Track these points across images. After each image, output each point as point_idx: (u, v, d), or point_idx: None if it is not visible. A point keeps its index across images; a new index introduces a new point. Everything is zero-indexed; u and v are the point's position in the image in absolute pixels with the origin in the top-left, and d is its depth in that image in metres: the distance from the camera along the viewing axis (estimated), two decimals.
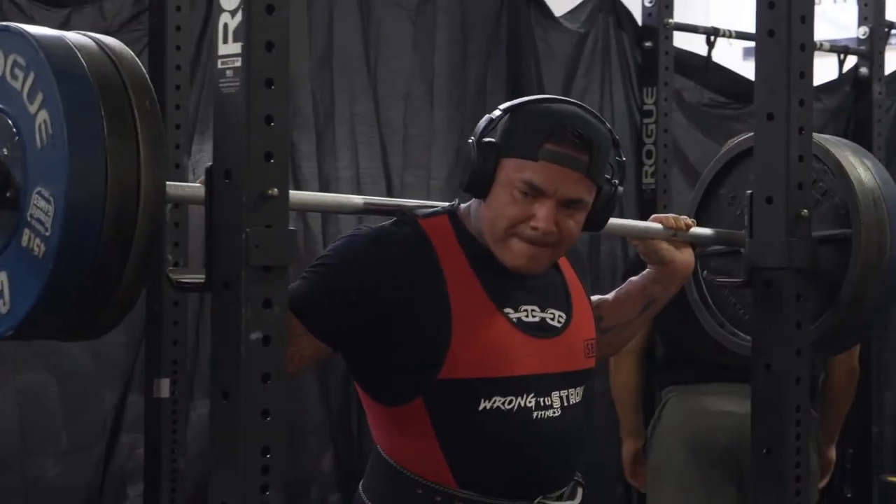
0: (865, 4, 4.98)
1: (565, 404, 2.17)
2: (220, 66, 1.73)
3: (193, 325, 3.42)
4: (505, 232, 2.11)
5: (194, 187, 1.81)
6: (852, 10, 5.14)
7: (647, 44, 4.36)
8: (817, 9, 2.37)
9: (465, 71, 4.04)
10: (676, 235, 2.38)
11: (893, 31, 5.07)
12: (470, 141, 2.15)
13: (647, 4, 4.35)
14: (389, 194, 3.82)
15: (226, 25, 1.72)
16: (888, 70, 5.07)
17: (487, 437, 2.11)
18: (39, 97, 1.64)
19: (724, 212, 2.60)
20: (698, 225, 2.45)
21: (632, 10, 4.43)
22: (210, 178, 1.74)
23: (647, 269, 2.45)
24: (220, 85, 1.73)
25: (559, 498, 2.17)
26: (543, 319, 2.19)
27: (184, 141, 3.38)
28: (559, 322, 2.21)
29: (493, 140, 2.11)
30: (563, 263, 2.30)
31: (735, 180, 2.58)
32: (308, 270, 2.14)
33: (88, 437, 3.37)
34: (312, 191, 3.62)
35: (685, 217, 2.43)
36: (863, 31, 4.98)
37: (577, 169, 2.10)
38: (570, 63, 4.27)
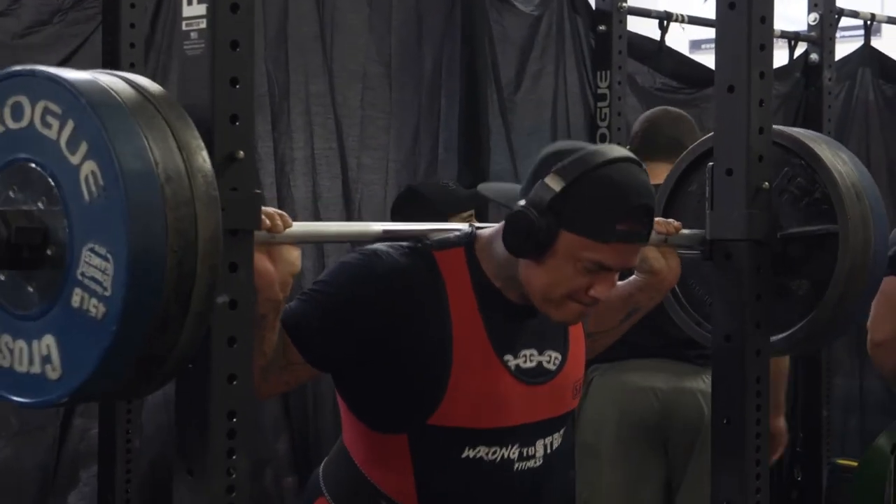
0: None
1: (547, 451, 2.15)
2: (184, 27, 1.71)
3: None
4: (561, 297, 2.06)
5: None
6: (801, 3, 5.18)
7: (601, 27, 4.37)
8: None
9: (420, 53, 4.03)
10: (668, 240, 2.34)
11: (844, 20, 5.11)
12: (522, 204, 2.04)
13: None
14: (345, 176, 3.81)
15: None
16: (838, 56, 5.11)
17: (465, 485, 2.08)
18: (83, 147, 1.52)
19: (694, 208, 2.54)
20: None
21: None
22: None
23: (633, 277, 2.40)
24: (185, 47, 1.71)
25: None
26: (540, 363, 2.16)
27: None
28: (554, 364, 2.18)
29: (556, 212, 2.02)
30: None
31: (703, 176, 2.48)
32: (308, 292, 2.08)
33: (41, 419, 3.33)
34: (268, 171, 3.61)
35: (672, 220, 2.38)
36: (813, 18, 5.02)
37: (643, 241, 2.09)
38: (524, 46, 4.27)
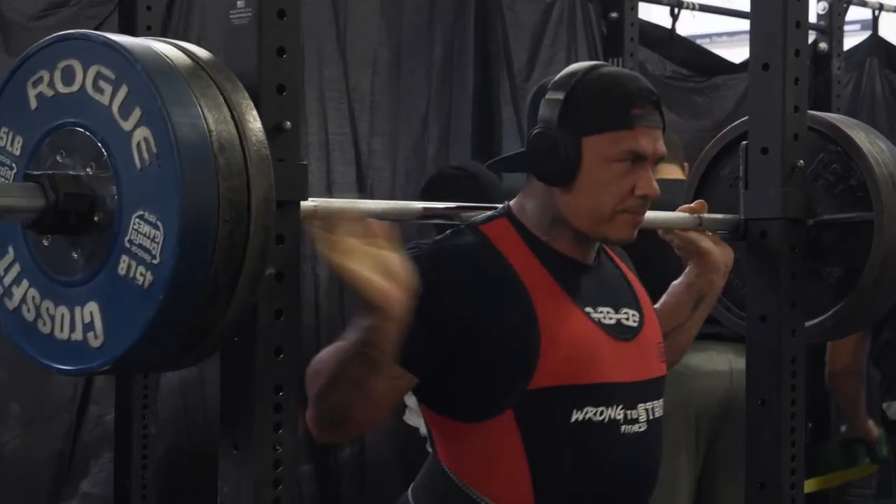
0: None
1: (650, 417, 2.07)
2: None
3: None
4: (613, 210, 2.03)
5: None
6: None
7: (613, 14, 4.34)
8: None
9: (432, 39, 4.00)
10: (702, 223, 2.32)
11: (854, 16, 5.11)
12: (540, 130, 2.03)
13: None
14: (358, 162, 3.79)
15: None
16: (846, 46, 5.10)
17: (579, 453, 2.00)
18: (136, 113, 1.50)
19: (726, 193, 2.52)
20: None
21: None
22: None
23: (688, 267, 2.36)
24: (231, 16, 1.69)
25: None
26: (619, 321, 2.09)
27: None
28: (633, 321, 2.11)
29: (570, 122, 2.00)
30: (616, 258, 2.22)
31: (735, 160, 2.48)
32: None
33: (57, 405, 3.30)
34: None
35: (699, 200, 2.36)
36: (822, 7, 5.01)
37: (660, 126, 2.06)
38: (536, 32, 4.25)
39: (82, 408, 3.33)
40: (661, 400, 2.11)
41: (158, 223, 1.49)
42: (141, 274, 1.51)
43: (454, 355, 1.98)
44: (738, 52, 4.56)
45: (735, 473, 2.94)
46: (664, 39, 4.60)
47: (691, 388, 3.50)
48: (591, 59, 4.34)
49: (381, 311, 1.72)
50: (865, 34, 5.40)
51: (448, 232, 2.09)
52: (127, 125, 1.51)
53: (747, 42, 2.38)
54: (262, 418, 1.67)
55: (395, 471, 3.79)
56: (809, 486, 4.11)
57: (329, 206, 1.83)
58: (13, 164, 1.63)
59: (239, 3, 1.68)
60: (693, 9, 4.59)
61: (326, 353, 1.86)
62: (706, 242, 2.32)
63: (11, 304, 1.66)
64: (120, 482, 3.28)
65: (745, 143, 2.34)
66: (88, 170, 1.55)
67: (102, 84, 1.53)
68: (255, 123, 1.56)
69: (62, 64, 1.55)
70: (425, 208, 2.05)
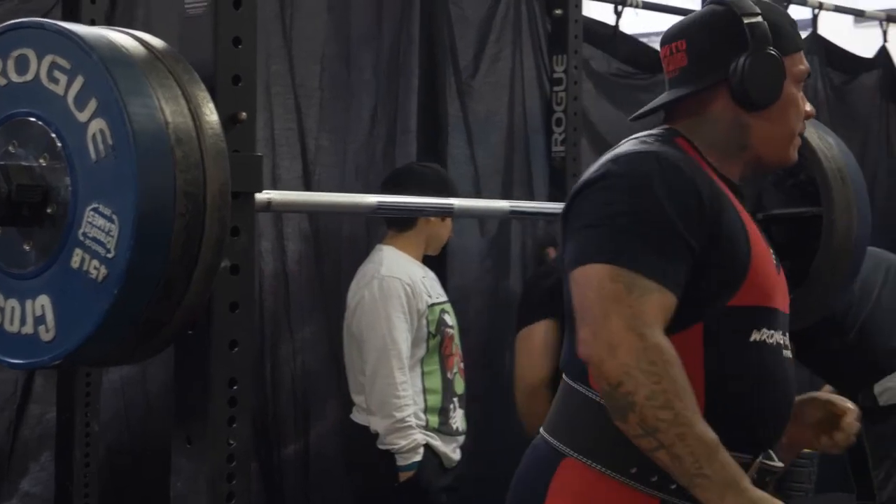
0: None
1: (791, 348, 2.07)
2: None
3: None
4: (796, 131, 2.07)
5: None
6: None
7: (557, 11, 4.33)
8: None
9: (379, 34, 3.98)
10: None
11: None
12: (760, 51, 2.01)
13: None
14: (304, 158, 3.76)
15: None
16: None
17: (752, 372, 1.97)
18: (92, 104, 1.48)
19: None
20: None
21: None
22: None
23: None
24: (186, 6, 1.67)
25: (770, 458, 2.03)
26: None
27: None
28: (773, 255, 2.08)
29: (775, 42, 2.03)
30: None
31: None
32: (619, 221, 1.89)
33: None
34: None
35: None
36: None
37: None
38: (482, 28, 4.24)
39: (22, 406, 3.28)
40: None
41: (113, 216, 1.47)
42: (95, 268, 1.49)
43: (697, 254, 1.91)
44: None
45: None
46: (608, 37, 4.60)
47: None
48: (535, 56, 4.34)
49: None
50: (805, 33, 5.44)
51: (644, 136, 2.01)
52: (82, 116, 1.49)
53: None
54: (217, 412, 1.66)
55: (339, 468, 3.77)
56: None
57: (284, 198, 1.81)
58: None
59: None
60: (636, 6, 4.61)
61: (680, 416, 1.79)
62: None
63: None
64: (61, 482, 3.24)
65: None
66: (42, 161, 1.52)
67: (57, 74, 1.50)
68: (211, 116, 1.55)
69: (16, 53, 1.53)
70: (380, 202, 2.04)
